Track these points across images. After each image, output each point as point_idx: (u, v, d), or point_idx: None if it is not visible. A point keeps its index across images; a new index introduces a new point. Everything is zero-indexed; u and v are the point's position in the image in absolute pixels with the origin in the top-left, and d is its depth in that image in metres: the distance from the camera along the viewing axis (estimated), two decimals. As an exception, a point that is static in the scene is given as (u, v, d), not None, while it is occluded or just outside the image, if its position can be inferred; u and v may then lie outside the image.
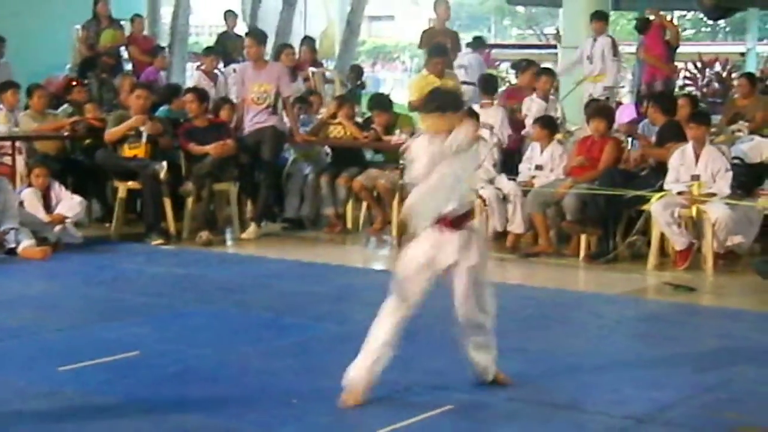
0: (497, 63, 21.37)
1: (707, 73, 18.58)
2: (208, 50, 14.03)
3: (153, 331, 6.25)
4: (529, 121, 10.21)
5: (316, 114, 11.42)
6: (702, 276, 8.28)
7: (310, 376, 5.30)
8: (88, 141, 10.36)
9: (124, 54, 14.36)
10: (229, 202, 10.04)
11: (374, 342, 4.83)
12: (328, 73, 15.24)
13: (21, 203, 8.82)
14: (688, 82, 18.23)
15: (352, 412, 4.74)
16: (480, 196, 8.79)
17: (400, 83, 30.94)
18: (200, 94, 10.21)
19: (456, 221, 4.87)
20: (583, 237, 8.91)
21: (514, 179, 9.30)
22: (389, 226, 9.85)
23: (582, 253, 8.87)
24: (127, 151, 9.60)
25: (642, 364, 5.76)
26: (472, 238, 4.92)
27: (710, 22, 30.81)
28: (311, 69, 13.79)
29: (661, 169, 8.86)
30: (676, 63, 14.10)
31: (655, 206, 8.46)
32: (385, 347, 4.82)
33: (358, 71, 16.28)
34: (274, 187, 10.20)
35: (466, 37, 15.73)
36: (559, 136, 9.68)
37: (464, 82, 12.42)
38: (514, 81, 13.22)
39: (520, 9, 40.48)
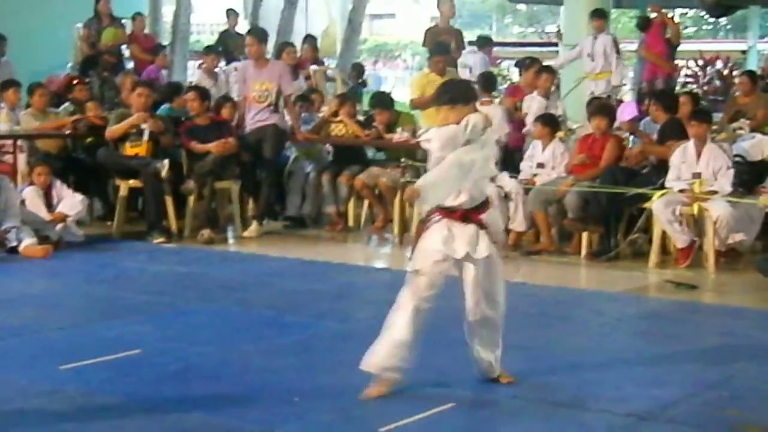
0: (498, 61, 21.38)
1: (708, 71, 18.60)
2: (210, 49, 14.03)
3: (154, 329, 6.24)
4: (529, 119, 10.21)
5: (317, 112, 11.41)
6: (703, 274, 8.28)
7: (312, 374, 5.30)
8: (89, 139, 10.35)
9: (126, 52, 14.36)
10: (231, 200, 10.03)
11: (390, 336, 4.83)
12: (329, 72, 15.27)
13: (22, 202, 8.82)
14: (689, 79, 18.24)
15: (353, 410, 4.74)
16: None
17: (402, 81, 30.92)
18: (202, 92, 10.20)
19: (466, 214, 4.86)
20: (584, 235, 8.91)
21: (515, 177, 9.30)
22: (391, 224, 9.86)
23: (583, 251, 8.87)
24: (128, 149, 9.60)
25: (644, 361, 5.75)
26: (484, 231, 4.90)
27: (711, 19, 30.87)
28: (313, 67, 13.79)
29: (662, 167, 8.87)
30: (677, 61, 14.09)
31: (657, 204, 8.45)
32: (400, 345, 4.81)
33: (359, 69, 16.31)
34: (276, 186, 10.21)
35: (467, 35, 15.71)
36: (560, 134, 9.67)
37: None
38: (515, 79, 13.20)
39: (522, 7, 40.52)
